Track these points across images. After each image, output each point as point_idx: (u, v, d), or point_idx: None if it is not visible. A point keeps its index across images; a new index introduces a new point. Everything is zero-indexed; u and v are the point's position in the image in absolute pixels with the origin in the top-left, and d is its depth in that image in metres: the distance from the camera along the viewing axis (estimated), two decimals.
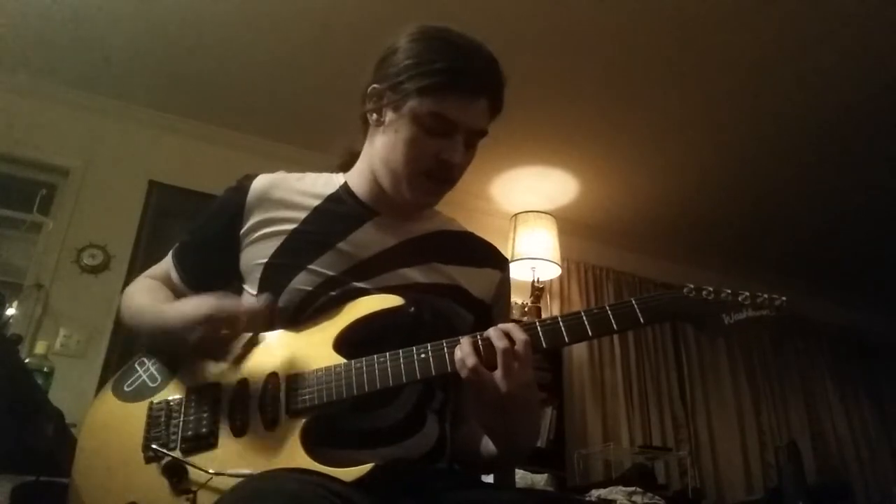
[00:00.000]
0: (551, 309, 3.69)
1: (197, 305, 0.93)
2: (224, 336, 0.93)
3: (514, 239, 3.42)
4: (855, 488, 4.17)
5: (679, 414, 3.85)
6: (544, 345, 0.88)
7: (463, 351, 0.86)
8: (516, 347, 0.85)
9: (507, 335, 0.86)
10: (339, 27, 2.66)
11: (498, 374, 0.84)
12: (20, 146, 2.91)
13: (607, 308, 0.90)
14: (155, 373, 0.99)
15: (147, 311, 1.02)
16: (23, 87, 2.97)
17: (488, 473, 1.10)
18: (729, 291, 0.92)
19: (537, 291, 3.47)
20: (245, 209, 1.06)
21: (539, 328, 0.89)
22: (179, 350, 0.96)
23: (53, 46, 2.80)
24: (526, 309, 3.49)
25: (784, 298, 0.92)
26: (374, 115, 1.04)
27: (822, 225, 3.99)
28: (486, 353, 0.86)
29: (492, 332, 0.87)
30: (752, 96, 2.99)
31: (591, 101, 3.07)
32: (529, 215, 3.48)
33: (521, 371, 0.85)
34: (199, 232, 1.12)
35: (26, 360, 1.85)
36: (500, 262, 1.16)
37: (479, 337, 0.88)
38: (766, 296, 0.92)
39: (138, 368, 1.00)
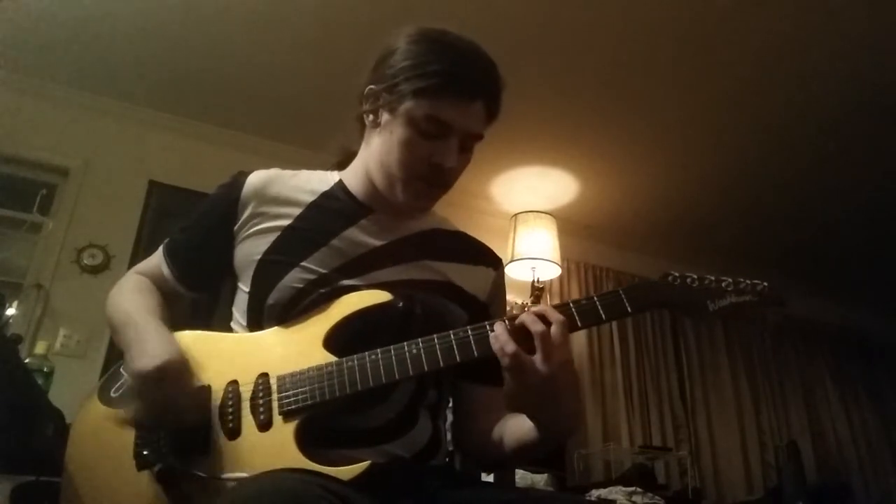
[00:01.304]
0: None
1: (160, 352, 0.89)
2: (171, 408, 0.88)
3: (514, 239, 3.42)
4: (855, 488, 4.17)
5: (679, 414, 3.85)
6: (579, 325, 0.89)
7: (500, 339, 0.86)
8: (553, 329, 0.85)
9: (543, 317, 0.86)
10: (339, 27, 2.66)
11: (537, 357, 0.84)
12: (20, 146, 2.91)
13: (595, 298, 0.90)
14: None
15: (127, 327, 0.98)
16: (23, 87, 2.96)
17: (514, 466, 1.09)
18: (712, 278, 0.94)
19: (537, 291, 3.47)
20: (239, 205, 1.05)
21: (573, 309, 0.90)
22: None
23: (54, 46, 2.80)
24: (526, 309, 3.48)
25: (766, 283, 0.93)
26: (371, 116, 1.04)
27: (822, 225, 3.99)
28: (521, 338, 0.86)
29: (525, 318, 0.87)
30: (752, 96, 2.99)
31: (591, 101, 3.07)
32: (529, 215, 3.47)
33: (560, 352, 0.85)
34: (192, 228, 1.11)
35: (26, 360, 1.85)
36: (493, 261, 1.16)
37: (509, 322, 0.88)
38: (748, 281, 0.93)
39: (124, 372, 0.97)
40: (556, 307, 0.90)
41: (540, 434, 0.92)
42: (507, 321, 0.88)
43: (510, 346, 0.84)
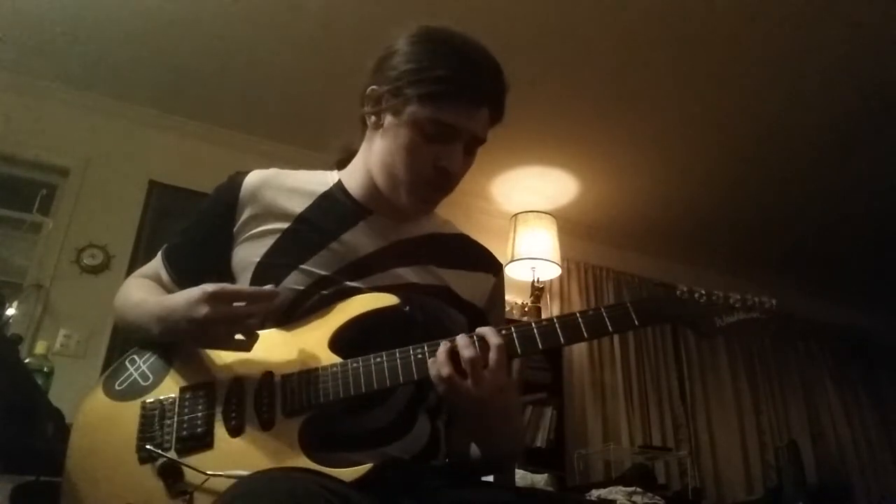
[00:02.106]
0: (551, 309, 3.69)
1: (202, 287, 0.90)
2: (229, 316, 0.89)
3: (514, 239, 3.42)
4: (855, 488, 4.17)
5: (679, 414, 3.85)
6: (519, 351, 0.87)
7: (438, 361, 0.85)
8: (490, 354, 0.85)
9: (482, 339, 0.86)
10: (339, 28, 2.66)
11: (469, 382, 0.84)
12: (20, 146, 2.91)
13: (602, 310, 0.90)
14: (147, 371, 0.96)
15: (147, 302, 1.00)
16: (23, 87, 2.97)
17: (484, 475, 1.09)
18: (720, 294, 0.93)
19: (537, 291, 3.47)
20: (237, 206, 1.05)
21: (514, 334, 0.88)
22: (182, 336, 0.93)
23: (53, 46, 2.80)
24: (526, 309, 3.49)
25: (774, 301, 0.92)
26: (373, 118, 1.02)
27: (822, 225, 3.99)
28: (455, 362, 0.85)
29: (459, 340, 0.86)
30: (753, 96, 2.99)
31: (591, 102, 3.07)
32: (529, 215, 3.48)
33: (493, 377, 0.84)
34: (190, 230, 1.11)
35: (26, 360, 1.85)
36: (493, 267, 1.15)
37: (451, 343, 0.87)
38: (756, 298, 0.92)
39: (129, 366, 0.97)
40: (562, 317, 0.89)
41: (481, 453, 0.94)
42: (449, 342, 0.87)
43: (445, 370, 0.84)
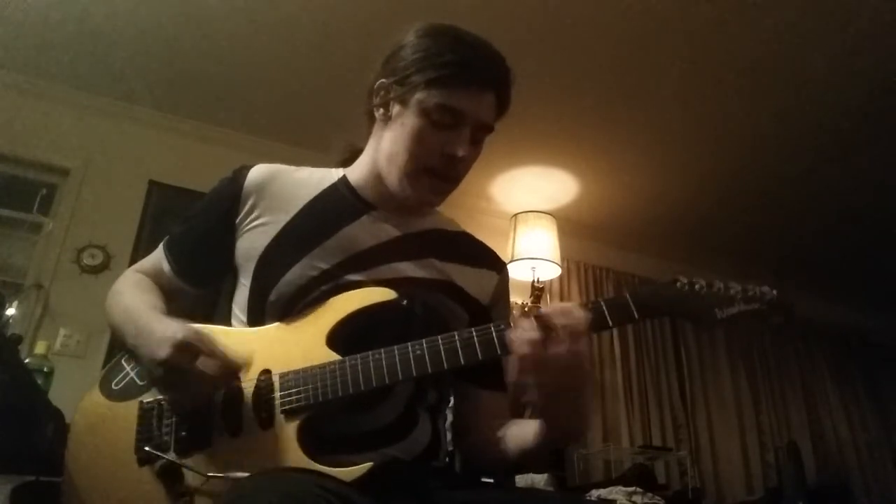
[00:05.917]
0: None
1: (177, 329, 0.89)
2: (186, 370, 0.88)
3: (514, 239, 3.42)
4: (855, 488, 4.17)
5: (679, 414, 3.85)
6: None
7: (523, 326, 0.82)
8: (576, 324, 0.83)
9: (568, 313, 0.84)
10: (339, 27, 2.66)
11: (562, 348, 0.80)
12: (20, 146, 2.91)
13: (602, 302, 0.88)
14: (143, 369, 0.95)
15: (133, 313, 0.98)
16: (23, 87, 2.96)
17: (520, 472, 1.07)
18: (721, 285, 0.91)
19: (537, 291, 3.47)
20: (241, 199, 1.05)
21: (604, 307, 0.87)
22: (147, 367, 0.93)
23: (53, 46, 2.80)
24: (526, 309, 3.49)
25: (775, 292, 0.91)
26: (381, 110, 1.03)
27: (822, 225, 3.99)
28: (542, 332, 0.83)
29: (551, 311, 0.83)
30: (753, 96, 2.99)
31: (591, 101, 3.07)
32: (529, 215, 3.47)
33: (585, 346, 0.82)
34: (192, 222, 1.11)
35: (26, 360, 1.85)
36: (497, 265, 1.15)
37: (536, 315, 0.85)
38: (757, 289, 0.91)
39: (125, 365, 0.97)
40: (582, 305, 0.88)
41: (546, 434, 0.89)
42: (528, 316, 0.85)
43: (534, 333, 0.81)
